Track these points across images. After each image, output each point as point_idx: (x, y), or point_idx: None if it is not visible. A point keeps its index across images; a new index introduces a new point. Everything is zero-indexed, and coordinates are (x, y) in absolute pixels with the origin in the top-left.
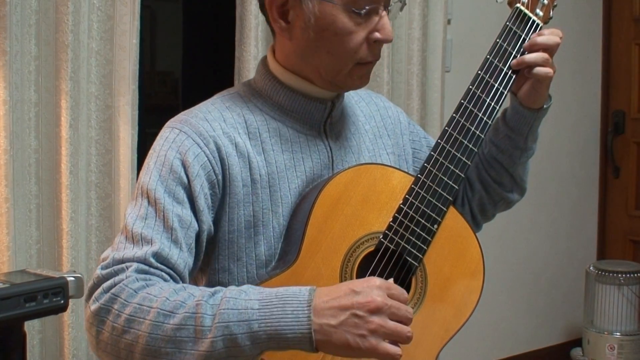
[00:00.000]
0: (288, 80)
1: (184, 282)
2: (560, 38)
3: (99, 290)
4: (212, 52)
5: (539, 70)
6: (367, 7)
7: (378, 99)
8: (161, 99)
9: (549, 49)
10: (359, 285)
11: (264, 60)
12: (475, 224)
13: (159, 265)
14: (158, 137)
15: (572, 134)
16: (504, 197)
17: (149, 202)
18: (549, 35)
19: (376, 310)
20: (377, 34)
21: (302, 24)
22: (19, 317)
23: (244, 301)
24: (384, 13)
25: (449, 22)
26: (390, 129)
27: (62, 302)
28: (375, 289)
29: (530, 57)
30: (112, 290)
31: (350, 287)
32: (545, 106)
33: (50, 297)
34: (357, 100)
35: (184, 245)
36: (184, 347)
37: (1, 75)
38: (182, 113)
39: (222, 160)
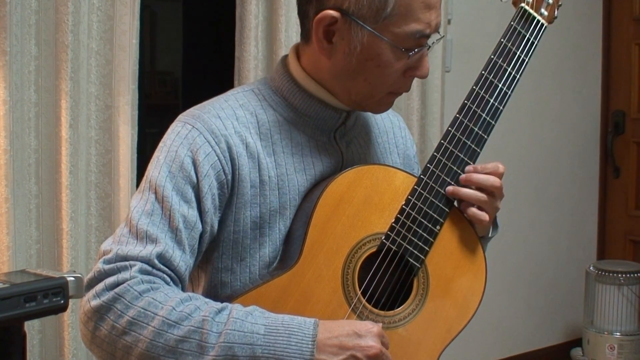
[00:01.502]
0: (307, 85)
1: (183, 283)
2: (501, 176)
3: (101, 286)
4: (212, 52)
5: (473, 212)
6: (415, 50)
7: (395, 117)
8: (161, 99)
9: (485, 190)
10: (361, 329)
11: (284, 60)
12: None
13: (161, 266)
14: (169, 131)
15: (572, 134)
16: None
17: (156, 197)
18: (486, 176)
19: (373, 357)
20: (416, 71)
21: (346, 49)
22: (19, 317)
23: (250, 324)
24: (426, 52)
25: (449, 22)
26: (401, 149)
27: (62, 302)
28: (375, 336)
29: (464, 192)
30: (116, 290)
31: (353, 329)
32: (489, 235)
33: (50, 297)
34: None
35: (187, 246)
36: (183, 359)
37: (1, 75)
38: (195, 107)
39: (232, 160)
